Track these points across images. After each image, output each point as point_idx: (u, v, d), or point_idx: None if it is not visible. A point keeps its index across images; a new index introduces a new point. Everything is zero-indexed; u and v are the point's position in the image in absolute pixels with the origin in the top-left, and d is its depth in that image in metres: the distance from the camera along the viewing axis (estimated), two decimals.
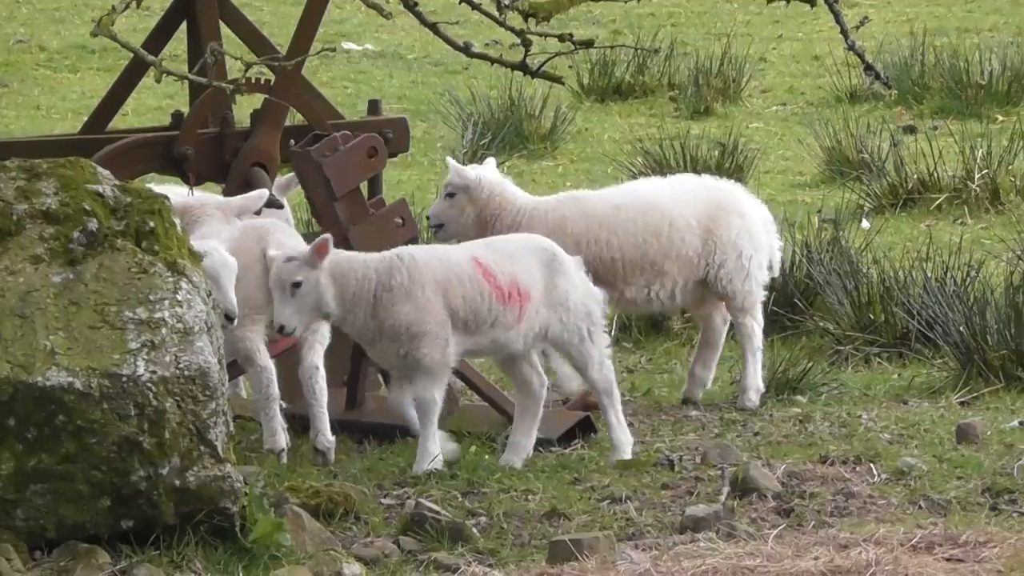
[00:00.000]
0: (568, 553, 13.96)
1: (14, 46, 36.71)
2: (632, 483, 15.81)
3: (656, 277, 20.38)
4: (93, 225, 14.41)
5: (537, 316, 17.66)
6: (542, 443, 17.45)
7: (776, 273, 21.11)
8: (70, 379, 13.73)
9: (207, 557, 13.40)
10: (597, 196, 21.74)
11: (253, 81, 17.92)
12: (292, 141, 17.83)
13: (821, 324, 21.54)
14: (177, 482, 13.71)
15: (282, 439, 17.15)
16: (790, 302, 21.80)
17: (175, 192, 17.41)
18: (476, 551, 14.22)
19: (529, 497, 15.53)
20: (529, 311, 17.62)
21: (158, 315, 14.12)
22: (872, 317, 20.87)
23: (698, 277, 20.41)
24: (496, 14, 14.70)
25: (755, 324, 20.34)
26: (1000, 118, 26.99)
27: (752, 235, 20.40)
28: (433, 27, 15.46)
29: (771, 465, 16.06)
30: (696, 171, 25.46)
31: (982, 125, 28.47)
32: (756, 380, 19.93)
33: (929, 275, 21.55)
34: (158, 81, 17.48)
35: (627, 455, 16.86)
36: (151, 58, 17.52)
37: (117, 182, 15.02)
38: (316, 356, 17.68)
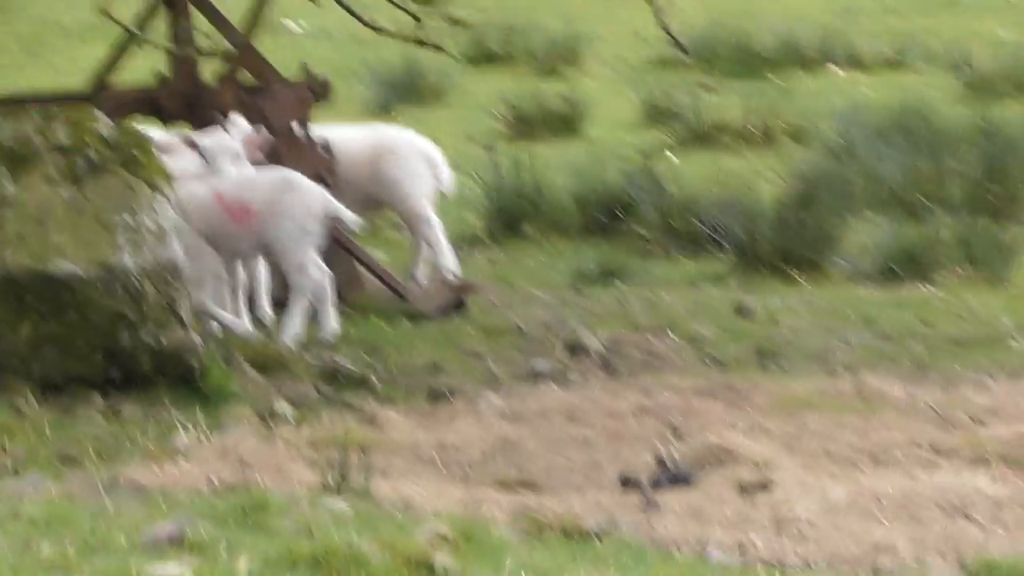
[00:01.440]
0: (443, 396, 14.01)
1: None
2: (492, 345, 15.77)
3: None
4: (93, 155, 14.43)
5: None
6: (420, 315, 17.04)
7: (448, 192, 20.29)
8: (74, 268, 13.77)
9: (174, 399, 13.37)
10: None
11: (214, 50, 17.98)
12: (243, 94, 17.81)
13: (636, 229, 20.59)
14: (153, 343, 13.77)
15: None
16: (612, 213, 20.93)
17: (156, 132, 16.66)
18: (376, 395, 14.08)
19: (415, 356, 15.43)
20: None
21: (140, 220, 14.15)
22: (673, 224, 20.19)
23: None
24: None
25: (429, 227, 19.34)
26: (773, 78, 25.21)
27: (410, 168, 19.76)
28: (349, 9, 15.36)
29: (596, 333, 16.05)
30: (548, 120, 25.32)
31: (761, 84, 27.03)
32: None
33: (716, 194, 20.80)
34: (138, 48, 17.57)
35: (289, 342, 16.42)
36: (134, 31, 17.50)
37: (112, 124, 15.03)
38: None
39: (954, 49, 25.59)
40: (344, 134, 18.82)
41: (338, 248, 17.29)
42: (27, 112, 15.28)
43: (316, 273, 16.40)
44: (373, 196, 18.78)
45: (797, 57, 26.19)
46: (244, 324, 15.77)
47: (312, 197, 16.32)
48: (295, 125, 17.05)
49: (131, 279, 13.88)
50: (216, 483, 10.76)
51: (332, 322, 16.38)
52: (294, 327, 16.19)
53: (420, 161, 19.01)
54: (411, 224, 19.40)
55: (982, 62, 24.59)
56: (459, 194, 21.02)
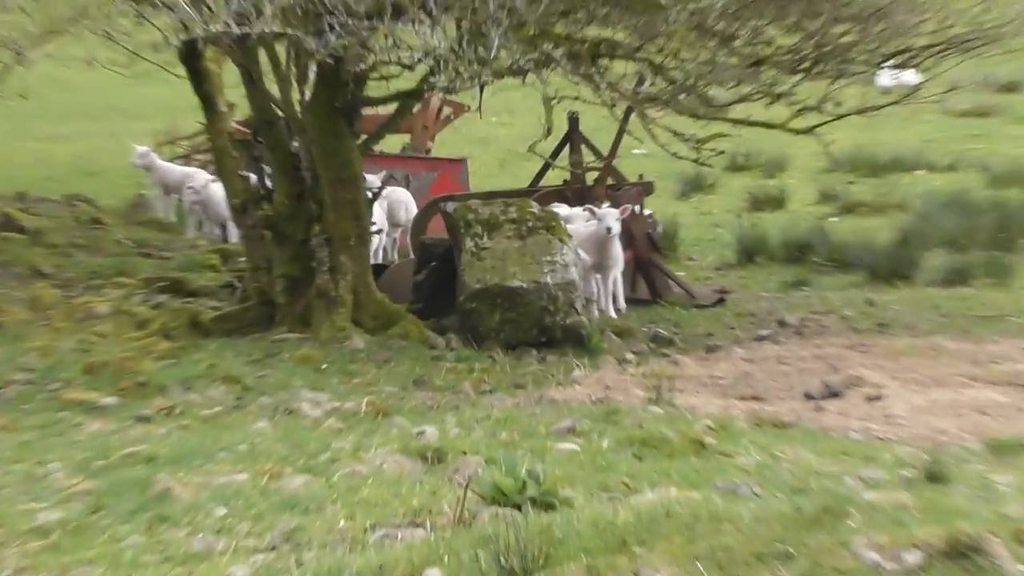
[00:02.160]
0: (713, 348, 13.76)
1: None
2: (739, 321, 15.62)
3: None
4: (530, 223, 14.37)
5: None
6: (701, 306, 16.64)
7: None
8: (521, 283, 13.71)
9: (573, 353, 13.25)
10: None
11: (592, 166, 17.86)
12: (608, 190, 17.59)
13: (814, 259, 19.53)
14: (562, 323, 13.68)
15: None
16: (802, 250, 20.10)
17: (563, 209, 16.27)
18: (678, 348, 14.01)
19: (698, 327, 15.31)
20: None
21: (555, 259, 14.07)
22: (834, 255, 19.47)
23: None
24: None
25: None
26: (888, 177, 24.83)
27: None
28: (665, 148, 15.22)
29: (793, 314, 15.85)
30: (770, 200, 24.30)
31: (881, 180, 25.54)
32: None
33: (857, 239, 20.19)
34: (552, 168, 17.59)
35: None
36: (550, 160, 17.40)
37: (539, 207, 14.97)
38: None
39: (982, 160, 24.74)
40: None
41: (657, 268, 17.15)
42: (496, 201, 15.24)
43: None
44: None
45: (901, 165, 25.31)
46: (610, 311, 15.62)
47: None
48: (636, 207, 16.81)
49: (551, 289, 13.83)
50: (593, 398, 10.74)
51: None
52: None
53: None
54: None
55: (998, 167, 23.79)
56: (722, 241, 20.80)
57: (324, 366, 11.84)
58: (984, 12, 14.06)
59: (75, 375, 10.68)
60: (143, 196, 20.92)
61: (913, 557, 5.08)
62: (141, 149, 19.87)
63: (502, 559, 5.34)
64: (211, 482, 7.33)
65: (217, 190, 17.56)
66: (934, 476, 7.23)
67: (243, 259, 14.79)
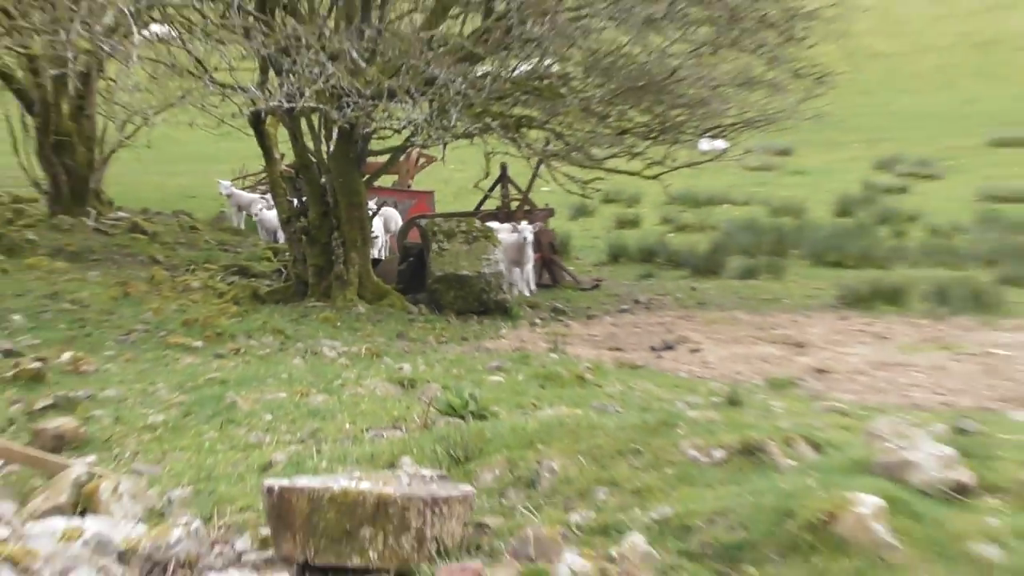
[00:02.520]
0: (593, 317, 13.67)
1: None
2: (609, 300, 15.42)
3: None
4: (474, 234, 14.34)
5: None
6: (583, 290, 16.41)
7: None
8: (468, 272, 13.61)
9: (501, 318, 13.24)
10: None
11: (515, 198, 17.74)
12: (525, 212, 17.47)
13: (657, 260, 19.55)
14: (494, 298, 13.54)
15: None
16: (650, 254, 19.94)
17: (495, 224, 15.92)
18: (569, 316, 13.79)
19: (582, 303, 15.10)
20: None
21: (490, 257, 13.98)
22: (672, 258, 19.33)
23: None
24: None
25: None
26: (707, 208, 24.84)
27: None
28: (560, 185, 15.25)
29: (643, 296, 15.74)
30: (622, 222, 23.83)
31: (703, 210, 25.55)
32: None
33: (686, 247, 19.99)
34: (490, 198, 17.33)
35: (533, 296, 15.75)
36: (488, 194, 17.24)
37: (481, 223, 14.90)
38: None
39: (766, 198, 24.80)
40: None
41: (556, 265, 17.11)
42: (452, 218, 15.20)
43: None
44: None
45: (714, 200, 25.23)
46: (524, 292, 15.55)
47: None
48: (543, 225, 16.74)
49: (487, 276, 13.73)
50: (512, 348, 10.68)
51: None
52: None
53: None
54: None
55: (776, 203, 23.87)
56: (599, 247, 20.57)
57: (338, 324, 11.75)
58: (768, 103, 14.22)
59: (176, 327, 10.61)
60: (223, 212, 20.90)
61: (719, 453, 5.08)
62: (224, 183, 20.04)
63: (451, 451, 5.31)
64: (262, 398, 7.33)
65: (271, 212, 17.61)
66: (733, 401, 7.27)
67: (287, 254, 14.74)
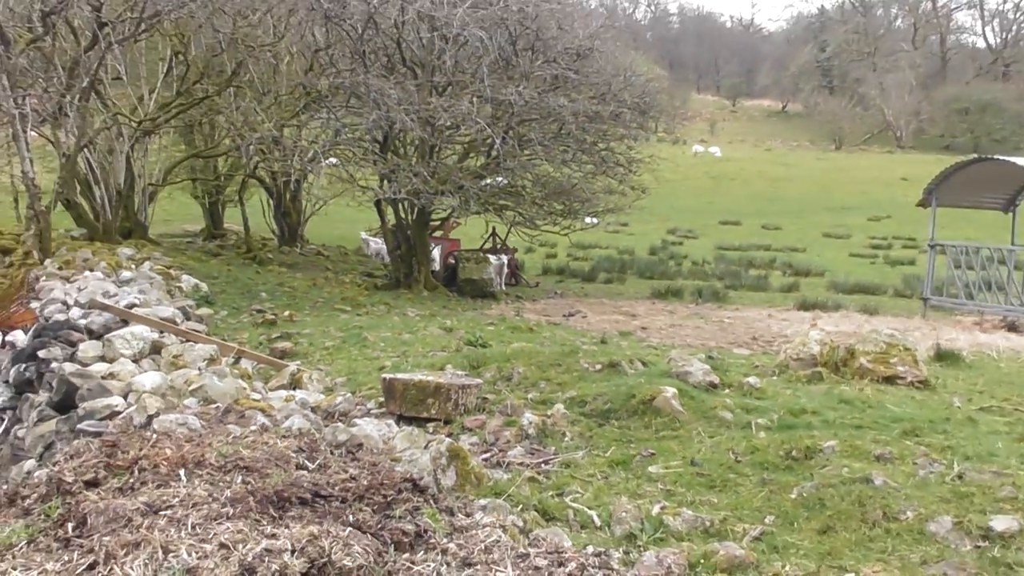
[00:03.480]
0: (535, 300, 13.29)
1: None
2: (539, 293, 14.87)
3: None
4: (479, 258, 13.79)
5: None
6: (534, 287, 15.52)
7: None
8: (477, 277, 12.95)
9: (493, 300, 12.69)
10: None
11: (503, 243, 17.31)
12: (505, 249, 16.63)
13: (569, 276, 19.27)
14: (490, 289, 13.03)
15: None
16: (560, 271, 18.80)
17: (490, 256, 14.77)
18: (525, 301, 13.30)
19: (533, 294, 14.64)
20: None
21: (488, 269, 13.43)
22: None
23: None
24: None
25: None
26: (599, 249, 24.24)
27: None
28: (505, 235, 14.88)
29: (562, 291, 15.12)
30: (550, 255, 21.77)
31: (597, 251, 24.51)
32: None
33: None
34: (488, 241, 16.77)
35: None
36: (484, 239, 16.72)
37: (483, 253, 14.40)
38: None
39: (611, 244, 24.19)
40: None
41: (519, 274, 16.51)
42: (470, 251, 14.52)
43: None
44: None
45: (595, 246, 24.13)
46: (502, 288, 15.09)
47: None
48: (511, 255, 16.24)
49: (485, 279, 13.41)
50: (497, 315, 10.39)
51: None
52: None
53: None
54: None
55: (623, 247, 23.07)
56: (537, 267, 20.14)
57: (415, 301, 11.48)
58: (619, 200, 14.07)
59: (337, 300, 10.48)
60: (360, 247, 20.23)
61: (598, 366, 5.12)
62: (363, 234, 19.43)
63: (471, 363, 5.33)
64: (380, 335, 7.19)
65: (376, 245, 17.37)
66: (603, 341, 7.26)
67: (391, 267, 14.44)
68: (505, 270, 15.07)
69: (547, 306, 12.27)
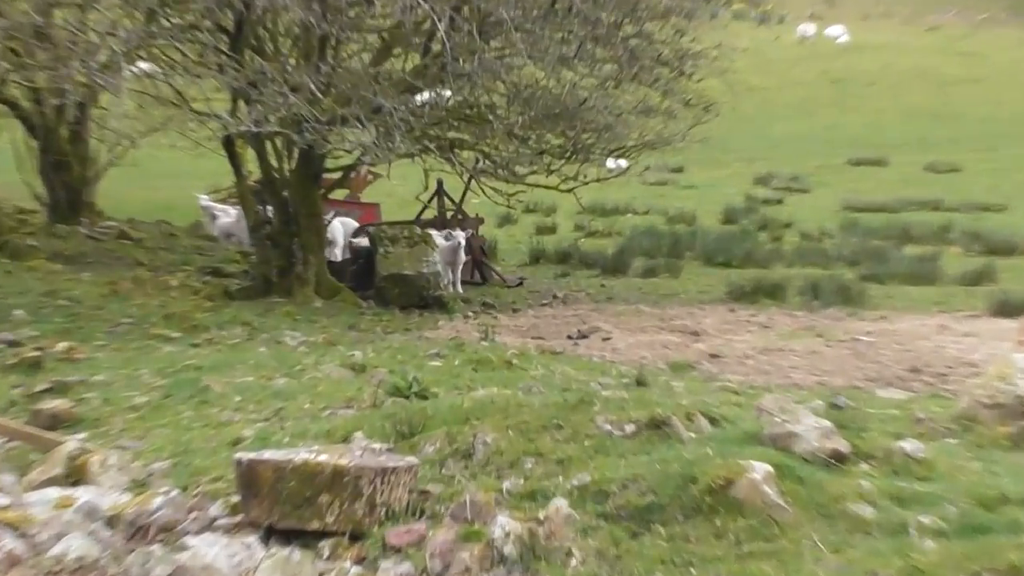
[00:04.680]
0: (517, 310, 13.59)
1: None
2: (531, 296, 15.44)
3: None
4: (415, 239, 14.26)
5: None
6: (509, 287, 16.29)
7: None
8: (409, 271, 13.57)
9: (439, 311, 13.22)
10: None
11: (450, 209, 17.59)
12: (459, 221, 17.31)
13: (572, 261, 19.43)
14: (433, 294, 13.52)
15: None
16: (565, 256, 19.63)
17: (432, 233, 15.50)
18: (497, 310, 13.77)
19: (508, 299, 15.10)
20: None
21: (428, 259, 13.94)
22: (585, 260, 19.13)
23: None
24: None
25: None
26: (615, 217, 24.87)
27: None
28: (488, 198, 15.20)
29: (560, 291, 15.72)
30: (542, 229, 23.32)
31: (611, 219, 25.28)
32: None
33: (596, 250, 19.86)
34: (428, 208, 17.18)
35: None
36: (427, 205, 17.12)
37: (420, 230, 14.81)
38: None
39: (663, 208, 24.91)
40: None
41: (486, 265, 17.06)
42: (396, 226, 15.09)
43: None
44: None
45: (619, 210, 25.16)
46: (458, 289, 15.46)
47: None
48: (472, 231, 16.64)
49: (426, 276, 13.70)
50: (449, 337, 10.62)
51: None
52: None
53: None
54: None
55: (672, 212, 23.99)
56: (522, 251, 20.45)
57: (298, 317, 11.62)
58: (663, 129, 14.39)
59: (157, 320, 10.46)
60: (199, 222, 20.36)
61: (630, 427, 5.07)
62: (202, 196, 19.46)
63: (398, 427, 5.25)
64: (232, 381, 7.22)
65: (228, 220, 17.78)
66: (640, 382, 7.30)
67: (254, 257, 14.52)
68: (462, 257, 15.53)
69: (539, 321, 12.61)
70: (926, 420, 5.51)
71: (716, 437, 4.88)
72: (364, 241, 15.78)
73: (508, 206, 15.71)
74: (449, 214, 17.24)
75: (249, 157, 13.92)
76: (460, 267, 15.51)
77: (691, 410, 5.23)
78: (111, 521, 4.26)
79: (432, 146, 13.14)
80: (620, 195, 24.60)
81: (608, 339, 10.85)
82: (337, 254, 15.66)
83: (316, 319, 11.64)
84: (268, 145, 13.31)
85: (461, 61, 11.75)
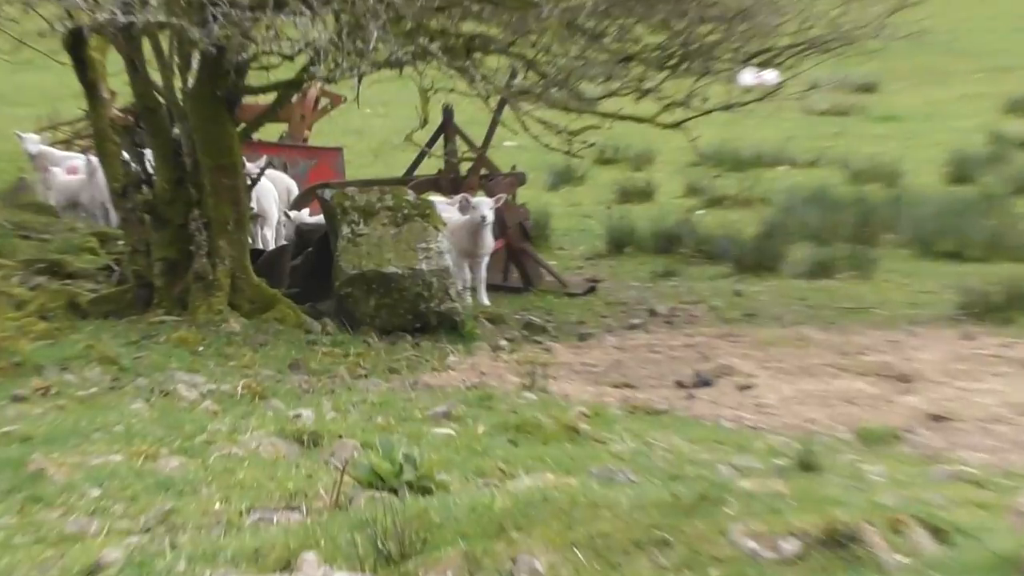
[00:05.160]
0: (584, 336, 13.75)
1: None
2: (610, 310, 15.61)
3: None
4: (405, 211, 14.30)
5: None
6: (572, 295, 16.61)
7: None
8: (397, 269, 13.65)
9: (447, 339, 13.31)
10: None
11: (466, 157, 17.73)
12: (482, 180, 17.47)
13: (683, 250, 19.31)
14: (437, 309, 13.64)
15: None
16: (670, 241, 19.82)
17: (437, 199, 16.11)
18: (550, 336, 13.83)
19: (570, 315, 15.25)
20: None
21: (430, 246, 14.02)
22: (702, 247, 19.29)
23: None
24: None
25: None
26: (751, 172, 24.86)
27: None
28: (536, 138, 15.39)
29: (663, 304, 15.85)
30: (637, 192, 24.06)
31: (745, 175, 25.66)
32: None
33: (723, 231, 19.64)
34: (428, 158, 17.55)
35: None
36: (426, 149, 17.36)
37: (415, 196, 14.89)
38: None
39: (842, 157, 25.00)
40: None
41: (529, 257, 17.13)
42: (372, 189, 15.16)
43: None
44: None
45: (763, 160, 25.45)
46: (482, 298, 15.58)
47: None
48: (508, 197, 16.73)
49: (425, 275, 13.79)
50: (468, 384, 10.73)
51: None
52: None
53: None
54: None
55: (857, 164, 24.07)
56: (592, 231, 20.82)
57: (200, 348, 11.74)
58: (842, 15, 14.29)
59: None
60: (24, 180, 20.44)
61: (790, 545, 5.06)
62: (28, 137, 19.47)
63: (379, 543, 5.25)
64: (86, 463, 7.20)
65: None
66: (807, 465, 7.25)
67: (122, 242, 14.59)
68: (490, 243, 16.15)
69: (625, 355, 12.92)
70: None
71: (945, 563, 4.82)
72: (314, 215, 15.82)
73: (569, 153, 15.68)
74: (464, 167, 17.28)
75: (113, 67, 14.00)
76: (486, 260, 15.72)
77: (899, 515, 5.20)
78: None
79: (435, 48, 13.09)
80: (767, 134, 24.63)
81: (748, 387, 10.97)
82: (268, 237, 15.74)
83: (232, 352, 11.74)
84: (147, 47, 13.43)
85: None
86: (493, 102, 15.34)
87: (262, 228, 15.28)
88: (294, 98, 17.40)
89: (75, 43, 13.39)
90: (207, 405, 9.20)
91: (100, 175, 15.56)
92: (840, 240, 19.14)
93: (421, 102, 15.31)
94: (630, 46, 14.32)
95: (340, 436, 7.77)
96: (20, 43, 14.20)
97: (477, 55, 13.99)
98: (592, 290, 16.74)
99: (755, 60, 15.01)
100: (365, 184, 16.48)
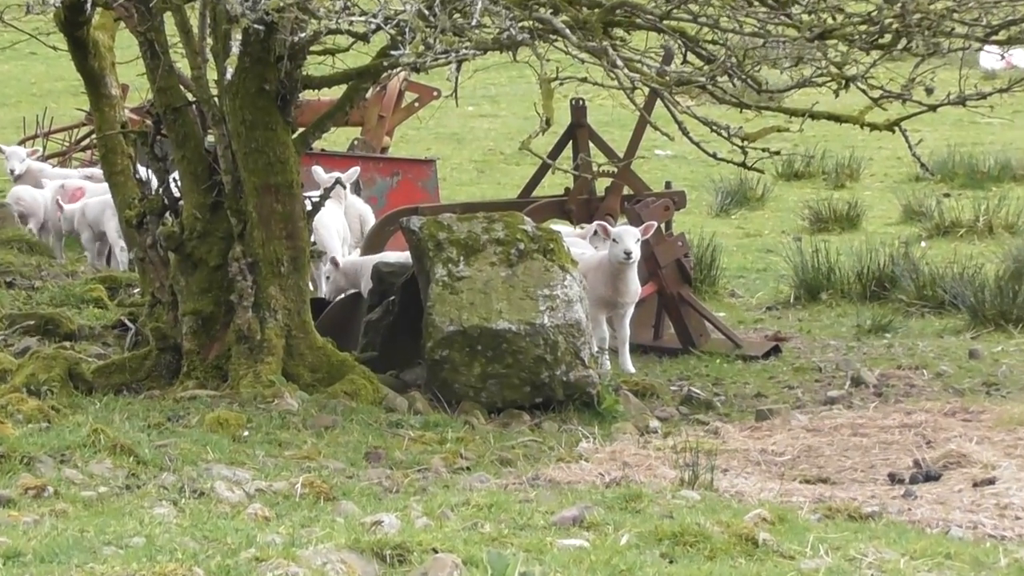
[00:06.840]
0: (765, 415, 13.74)
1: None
2: (799, 379, 15.57)
3: None
4: (522, 246, 14.34)
5: None
6: (749, 358, 16.71)
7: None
8: (510, 325, 13.71)
9: (578, 418, 13.31)
10: None
11: (604, 171, 17.75)
12: (625, 202, 17.54)
13: (899, 296, 19.28)
14: (564, 378, 13.66)
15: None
16: (882, 284, 19.83)
17: (564, 229, 16.37)
18: (719, 414, 13.92)
19: (746, 386, 15.24)
20: None
21: (555, 292, 14.06)
22: (925, 292, 19.16)
23: None
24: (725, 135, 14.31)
25: None
26: (994, 189, 24.57)
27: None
28: (698, 144, 15.28)
29: (872, 370, 15.78)
30: (838, 218, 24.60)
31: (985, 193, 25.31)
32: None
33: (955, 270, 19.58)
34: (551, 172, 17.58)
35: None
36: (549, 161, 17.40)
37: (534, 224, 14.93)
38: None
39: None
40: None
41: (690, 307, 17.10)
42: (476, 216, 15.19)
43: None
44: None
45: (1010, 173, 25.34)
46: (627, 364, 15.56)
47: None
48: (660, 225, 16.74)
49: (548, 333, 13.81)
50: (606, 479, 10.72)
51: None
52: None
53: None
54: None
55: None
56: (775, 271, 20.80)
57: (246, 433, 11.79)
58: None
59: None
60: (5, 207, 20.61)
61: None
62: (11, 150, 19.62)
63: None
64: None
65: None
66: None
67: (137, 291, 14.68)
68: (636, 289, 16.19)
69: (819, 439, 12.87)
70: None
71: None
72: (397, 253, 15.85)
73: (744, 164, 15.60)
74: (601, 185, 17.31)
75: (126, 55, 14.13)
76: (630, 312, 15.83)
77: None
78: None
79: (561, 22, 13.09)
80: (1014, 138, 24.34)
81: (989, 482, 10.84)
82: (339, 281, 15.84)
83: (288, 438, 11.85)
84: (171, 23, 13.65)
85: None
86: (640, 96, 15.30)
87: (327, 266, 15.30)
88: (369, 93, 17.53)
89: (73, 21, 13.52)
90: (255, 509, 9.23)
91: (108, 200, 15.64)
92: None
93: (543, 97, 15.34)
94: (827, 17, 14.19)
95: (434, 550, 7.73)
96: (0, 21, 14.29)
97: (619, 32, 13.97)
98: (776, 351, 16.73)
99: (1000, 35, 14.85)
100: (467, 209, 16.54)
